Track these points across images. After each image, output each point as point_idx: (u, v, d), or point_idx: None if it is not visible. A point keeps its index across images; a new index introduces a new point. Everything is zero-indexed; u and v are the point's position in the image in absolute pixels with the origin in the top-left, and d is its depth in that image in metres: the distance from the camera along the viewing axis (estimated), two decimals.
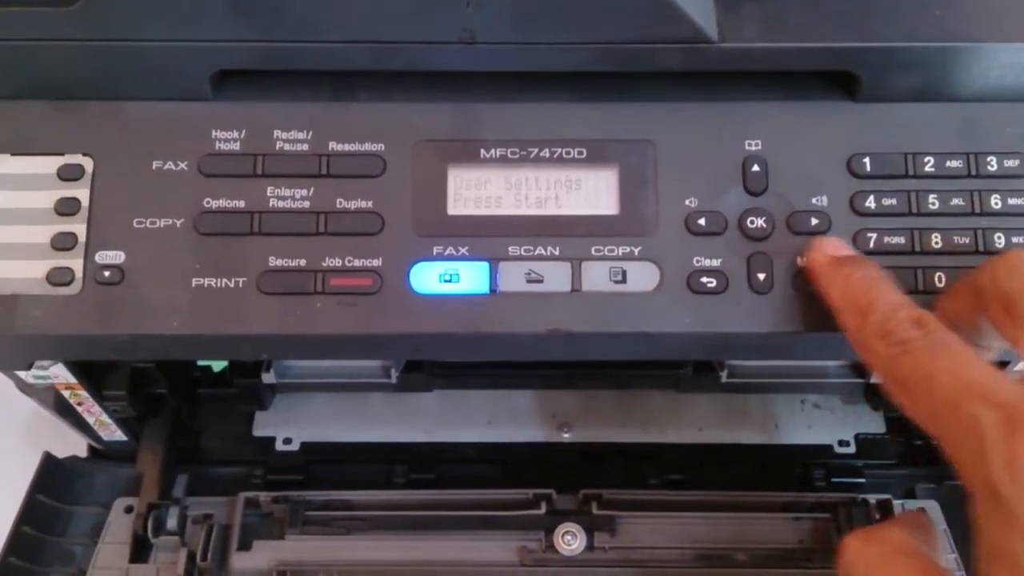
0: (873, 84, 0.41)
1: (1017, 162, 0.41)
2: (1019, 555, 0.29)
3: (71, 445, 0.61)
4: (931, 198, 0.41)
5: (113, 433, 0.57)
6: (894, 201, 0.41)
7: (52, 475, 0.57)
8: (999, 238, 0.40)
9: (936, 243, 0.40)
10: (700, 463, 0.61)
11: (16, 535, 0.53)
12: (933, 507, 0.57)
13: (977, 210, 0.40)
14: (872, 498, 0.56)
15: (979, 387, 0.31)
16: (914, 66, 0.40)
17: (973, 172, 0.41)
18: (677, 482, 0.60)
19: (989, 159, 0.41)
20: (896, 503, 0.56)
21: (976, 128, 0.41)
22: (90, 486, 0.59)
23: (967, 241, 0.40)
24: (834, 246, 0.40)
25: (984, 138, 0.41)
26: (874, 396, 0.60)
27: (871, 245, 0.40)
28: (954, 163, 0.41)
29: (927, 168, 0.41)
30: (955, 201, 0.41)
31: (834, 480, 0.59)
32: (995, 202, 0.40)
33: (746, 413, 0.62)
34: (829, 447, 0.61)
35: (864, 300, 0.36)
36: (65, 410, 0.54)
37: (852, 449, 0.60)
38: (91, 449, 0.62)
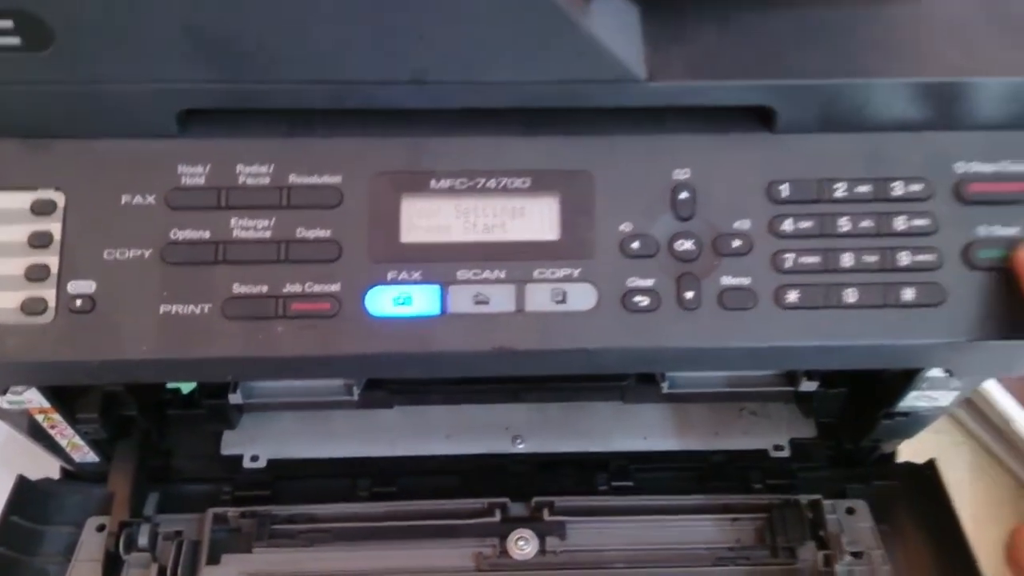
0: (788, 117, 0.42)
1: (920, 186, 0.42)
2: None
3: (43, 468, 0.61)
4: (842, 220, 0.42)
5: (85, 455, 0.58)
6: (809, 224, 0.42)
7: (26, 497, 0.57)
8: (904, 256, 0.42)
9: (847, 262, 0.42)
10: (645, 470, 0.62)
11: None
12: (862, 506, 0.59)
13: (884, 231, 0.42)
14: (804, 498, 0.57)
15: None
16: (825, 100, 0.42)
17: (880, 196, 0.42)
18: (624, 488, 0.61)
19: (894, 184, 0.42)
20: (827, 503, 0.57)
21: (882, 156, 0.43)
22: (63, 506, 0.59)
23: (875, 259, 0.42)
24: None
25: (890, 165, 0.43)
26: (805, 403, 0.62)
27: (789, 264, 0.42)
28: (863, 188, 0.42)
29: (838, 193, 0.42)
30: (864, 223, 0.42)
31: (769, 482, 0.61)
32: (900, 223, 0.42)
33: (687, 421, 0.63)
34: (765, 451, 0.62)
35: None
36: (38, 433, 0.54)
37: (786, 453, 0.62)
38: (64, 471, 0.62)
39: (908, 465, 0.62)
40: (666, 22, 0.43)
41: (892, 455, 0.64)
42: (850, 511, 0.58)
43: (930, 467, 0.60)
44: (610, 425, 0.63)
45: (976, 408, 0.78)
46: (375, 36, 0.39)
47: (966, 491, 0.78)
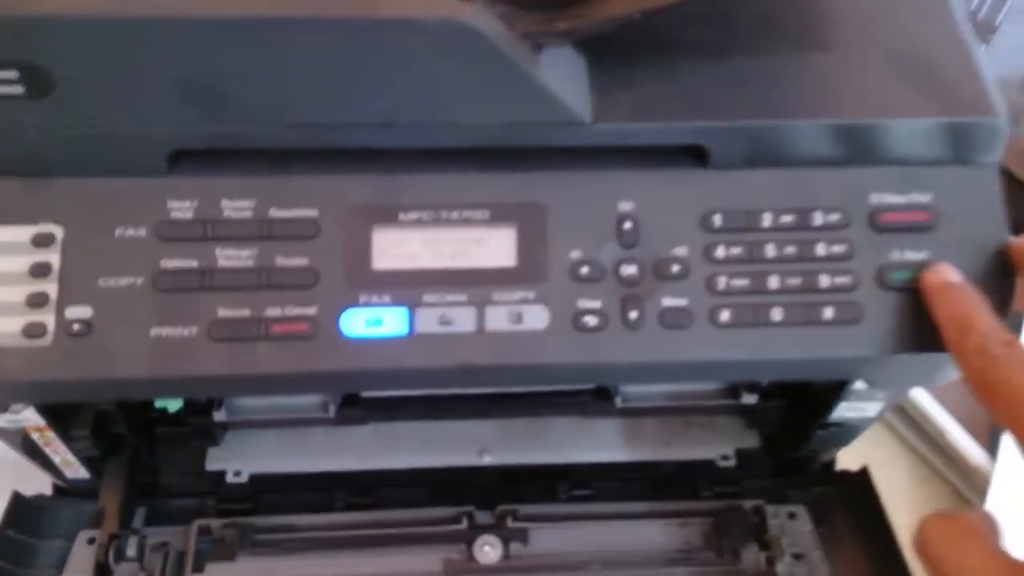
0: (720, 155, 0.45)
1: (838, 216, 0.45)
2: None
3: (32, 487, 0.62)
4: (768, 247, 0.45)
5: (77, 471, 0.59)
6: (739, 250, 0.45)
7: (21, 512, 0.59)
8: (824, 278, 0.44)
9: (774, 284, 0.44)
10: (602, 479, 0.65)
11: None
12: (801, 511, 0.62)
13: (806, 256, 0.45)
14: (748, 504, 0.61)
15: None
16: (752, 140, 0.45)
17: (802, 225, 0.45)
18: (583, 496, 0.64)
19: (815, 214, 0.45)
20: (769, 508, 0.61)
21: (804, 189, 0.45)
22: (55, 521, 0.61)
23: (799, 282, 0.44)
24: (946, 273, 0.43)
25: (811, 197, 0.45)
26: (748, 416, 0.64)
27: (721, 287, 0.44)
28: (787, 218, 0.45)
29: (765, 223, 0.45)
30: (788, 249, 0.45)
31: (717, 490, 0.64)
32: (820, 249, 0.45)
33: (641, 434, 0.66)
34: (712, 461, 0.64)
35: (965, 320, 0.40)
36: (33, 451, 0.56)
37: (732, 462, 0.64)
38: (55, 487, 0.64)
39: (844, 472, 0.65)
40: (610, 70, 0.45)
41: (830, 464, 0.67)
42: (791, 516, 0.61)
43: (863, 474, 0.63)
44: (570, 438, 0.65)
45: (913, 421, 0.81)
46: (347, 84, 0.42)
47: (906, 501, 0.81)
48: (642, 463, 0.65)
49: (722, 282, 0.45)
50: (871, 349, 0.44)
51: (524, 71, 0.42)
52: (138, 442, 0.62)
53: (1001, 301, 0.44)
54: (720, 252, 0.45)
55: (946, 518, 0.38)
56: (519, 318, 0.44)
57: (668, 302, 0.44)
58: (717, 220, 0.45)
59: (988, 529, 0.38)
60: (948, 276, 0.43)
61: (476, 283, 0.45)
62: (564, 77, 0.44)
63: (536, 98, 0.43)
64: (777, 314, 0.44)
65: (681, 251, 0.45)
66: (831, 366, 0.47)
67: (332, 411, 0.60)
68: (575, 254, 0.45)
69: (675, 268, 0.45)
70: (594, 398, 0.61)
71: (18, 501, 0.59)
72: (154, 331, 0.43)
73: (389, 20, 0.40)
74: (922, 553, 0.38)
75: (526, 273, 0.45)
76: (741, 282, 0.45)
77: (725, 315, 0.44)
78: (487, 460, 0.65)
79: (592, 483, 0.65)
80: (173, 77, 0.41)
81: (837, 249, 0.45)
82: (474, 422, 0.66)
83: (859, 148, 0.46)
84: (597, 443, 0.66)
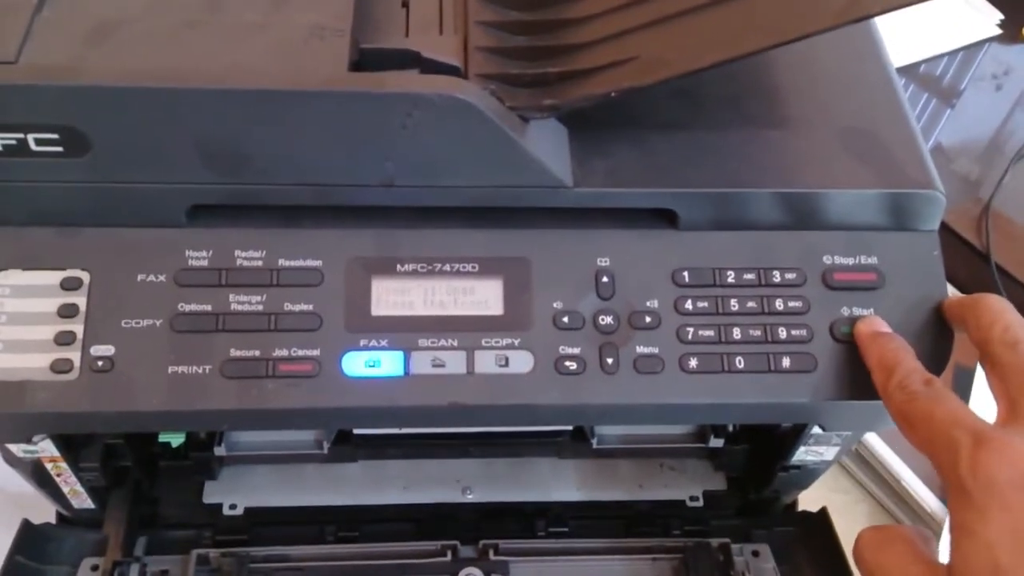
0: (688, 218, 0.48)
1: (795, 275, 0.49)
2: (974, 526, 0.37)
3: (33, 518, 0.63)
4: (732, 302, 0.48)
5: (83, 501, 0.61)
6: (706, 304, 0.48)
7: (29, 539, 0.60)
8: (782, 331, 0.48)
9: (737, 335, 0.48)
10: (579, 517, 0.67)
11: None
12: (765, 549, 0.64)
13: (766, 310, 0.48)
14: (714, 541, 0.63)
15: (961, 421, 0.40)
16: (717, 205, 0.48)
17: (763, 283, 0.48)
18: (561, 532, 0.66)
19: (774, 273, 0.48)
20: (734, 546, 0.62)
21: (765, 250, 0.49)
22: (61, 548, 0.62)
23: (759, 334, 0.48)
24: (876, 324, 0.47)
25: (771, 257, 0.49)
26: (716, 458, 0.67)
27: (690, 336, 0.47)
28: (749, 275, 0.48)
29: (729, 279, 0.48)
30: (750, 304, 0.48)
31: (686, 528, 0.66)
32: (779, 304, 0.48)
33: (615, 475, 0.68)
34: (682, 501, 0.67)
35: (891, 363, 0.44)
36: (44, 480, 0.58)
37: (700, 503, 0.67)
38: (59, 516, 0.65)
39: (805, 513, 0.67)
40: (590, 140, 0.48)
41: (793, 504, 0.69)
42: (755, 553, 0.63)
43: (822, 514, 0.65)
44: (548, 478, 0.67)
45: (871, 468, 0.84)
46: (353, 149, 0.45)
47: None
48: (616, 502, 0.67)
49: (690, 332, 0.47)
50: (824, 395, 0.47)
51: (514, 141, 0.45)
52: (141, 475, 0.63)
53: (939, 354, 0.48)
54: (689, 305, 0.48)
55: (877, 528, 0.42)
56: (506, 362, 0.47)
57: (641, 349, 0.47)
58: (686, 276, 0.48)
59: (915, 537, 0.41)
60: (877, 326, 0.47)
61: (466, 329, 0.47)
62: (549, 146, 0.47)
63: (524, 164, 0.46)
64: (740, 362, 0.47)
65: (653, 303, 0.48)
66: (789, 410, 0.50)
67: (326, 447, 0.62)
68: (557, 304, 0.48)
69: (648, 319, 0.47)
70: (571, 440, 0.63)
71: (27, 529, 0.61)
72: (171, 368, 0.46)
73: (395, 95, 0.43)
74: (859, 560, 0.42)
75: (512, 321, 0.48)
76: (707, 332, 0.47)
77: (693, 362, 0.47)
78: (470, 497, 0.67)
79: (569, 520, 0.67)
80: (194, 140, 0.44)
81: (794, 304, 0.48)
82: (458, 461, 0.68)
83: (813, 214, 0.49)
84: (574, 483, 0.68)
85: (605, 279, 0.48)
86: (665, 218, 0.49)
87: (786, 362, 0.47)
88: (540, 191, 0.47)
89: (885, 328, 0.47)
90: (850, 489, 0.87)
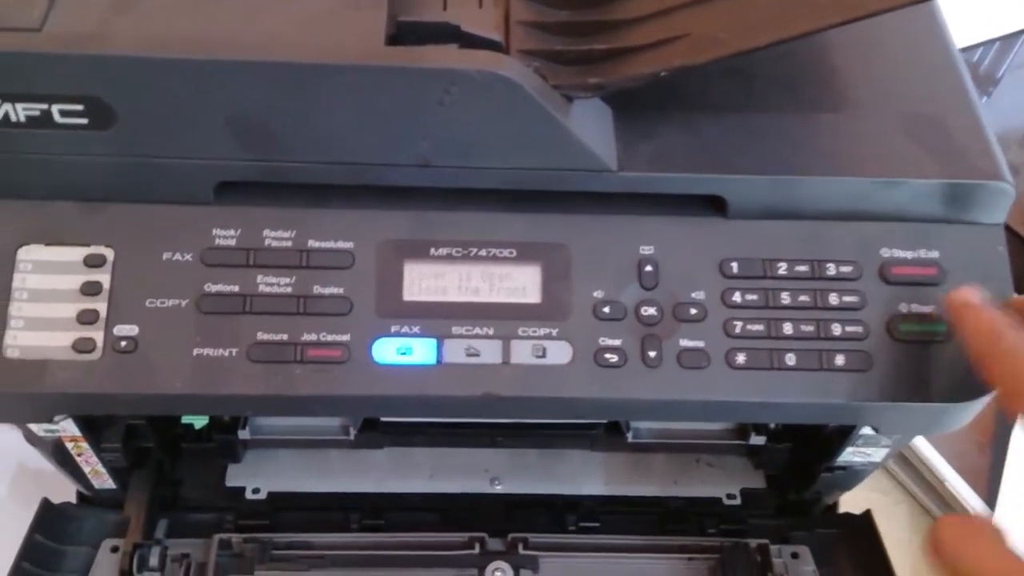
0: (738, 206, 0.46)
1: (851, 268, 0.47)
2: None
3: (54, 496, 0.63)
4: (783, 295, 0.46)
5: (104, 481, 0.61)
6: (755, 296, 0.46)
7: (49, 518, 0.60)
8: (836, 327, 0.46)
9: (788, 330, 0.46)
10: (610, 512, 0.65)
11: (17, 571, 0.57)
12: (805, 551, 0.62)
13: (819, 305, 0.46)
14: (753, 542, 0.61)
15: None
16: (769, 193, 0.46)
17: (816, 276, 0.47)
18: (591, 527, 0.64)
19: (829, 265, 0.47)
20: (773, 547, 0.61)
21: (819, 241, 0.47)
22: (81, 529, 0.62)
23: (811, 329, 0.46)
24: (969, 293, 0.44)
25: (825, 249, 0.47)
26: (755, 456, 0.65)
27: (738, 331, 0.46)
28: (801, 268, 0.47)
29: (781, 271, 0.47)
30: (802, 298, 0.46)
31: (722, 527, 0.64)
32: (833, 299, 0.46)
33: (649, 470, 0.67)
34: (718, 499, 0.65)
35: (993, 328, 0.42)
36: (63, 460, 0.57)
37: (738, 501, 0.65)
38: (79, 496, 0.65)
39: (847, 515, 0.66)
40: (635, 121, 0.47)
41: (834, 506, 0.68)
42: (794, 555, 0.61)
43: (866, 517, 0.64)
44: (579, 471, 0.66)
45: (913, 469, 0.82)
46: (389, 127, 0.44)
47: (906, 548, 0.81)
48: (649, 498, 0.66)
49: (738, 326, 0.46)
50: (879, 396, 0.46)
51: (557, 120, 0.44)
52: (163, 456, 0.63)
53: None
54: (737, 297, 0.46)
55: (959, 518, 0.39)
56: (543, 352, 0.46)
57: (686, 343, 0.46)
58: (734, 267, 0.47)
59: (999, 529, 0.39)
60: (970, 296, 0.44)
61: (502, 317, 0.46)
62: (593, 127, 0.46)
63: (566, 146, 0.45)
64: (790, 359, 0.46)
65: (699, 295, 0.46)
66: (840, 411, 0.48)
67: (352, 434, 0.61)
68: (598, 293, 0.46)
69: (693, 311, 0.46)
70: (605, 432, 0.62)
71: (47, 508, 0.61)
72: (196, 351, 0.45)
73: (433, 70, 0.42)
74: (936, 553, 0.38)
75: (550, 310, 0.47)
76: (756, 327, 0.46)
77: (740, 358, 0.46)
78: (498, 488, 0.66)
79: (600, 515, 0.66)
80: (224, 115, 0.43)
81: (849, 299, 0.47)
82: (486, 450, 0.67)
83: (871, 204, 0.48)
84: (606, 477, 0.67)
85: (648, 268, 0.47)
86: (713, 205, 0.47)
87: (839, 360, 0.46)
88: (582, 174, 0.45)
89: (978, 297, 0.44)
90: (890, 490, 0.85)
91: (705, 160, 0.46)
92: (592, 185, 0.46)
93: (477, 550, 0.60)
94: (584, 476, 0.67)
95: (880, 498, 0.81)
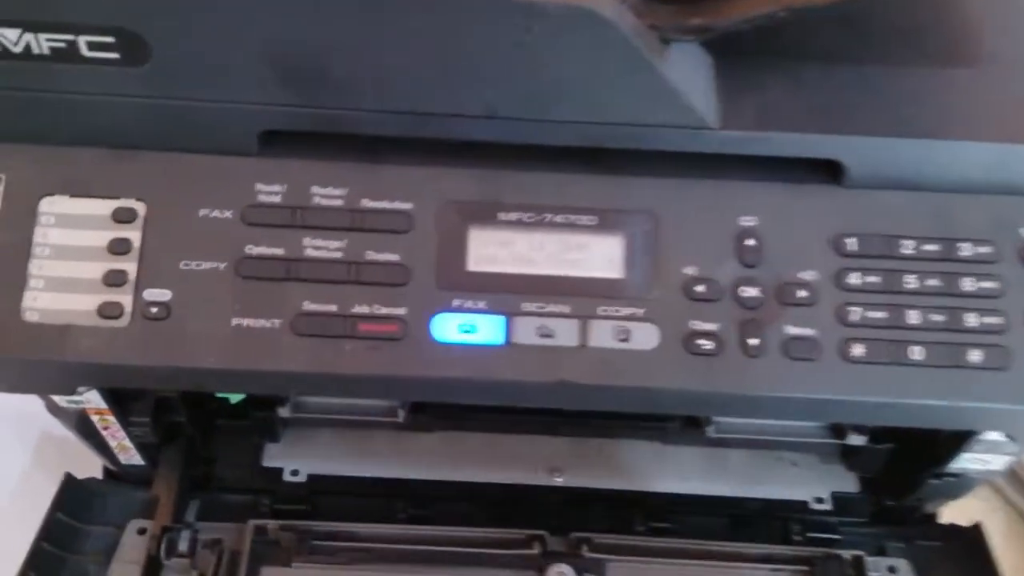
0: (857, 172, 0.43)
1: (989, 249, 0.43)
2: None
3: (80, 468, 0.62)
4: (909, 278, 0.43)
5: (132, 456, 0.59)
6: (876, 279, 0.43)
7: (72, 495, 0.58)
8: (970, 317, 0.42)
9: (914, 319, 0.42)
10: (682, 512, 0.62)
11: (36, 551, 0.55)
12: (904, 565, 0.58)
13: (953, 291, 0.42)
14: (846, 554, 0.57)
15: None
16: (894, 158, 0.43)
17: (948, 256, 0.43)
18: (660, 529, 0.61)
19: (962, 245, 0.43)
20: (868, 559, 0.57)
21: (950, 216, 0.43)
22: (105, 507, 0.60)
23: (942, 319, 0.42)
24: None
25: (958, 225, 0.43)
26: (848, 456, 0.62)
27: (855, 318, 0.42)
28: (930, 247, 0.43)
29: (906, 250, 0.43)
30: (931, 282, 0.43)
31: (809, 535, 0.61)
32: (967, 284, 0.42)
33: (727, 466, 0.63)
34: (805, 503, 0.62)
35: None
36: (89, 433, 0.55)
37: (828, 506, 0.62)
38: (106, 471, 0.63)
39: (952, 527, 0.62)
40: (739, 73, 0.44)
41: (934, 515, 0.64)
42: (892, 570, 0.58)
43: (976, 531, 0.60)
44: (648, 465, 0.64)
45: (1014, 475, 0.78)
46: (456, 69, 0.41)
47: (1000, 558, 0.77)
48: (726, 498, 0.63)
49: (855, 313, 0.43)
50: (1021, 400, 0.42)
51: (651, 67, 0.40)
52: (195, 432, 0.61)
53: None
54: (854, 279, 0.43)
55: None
56: (626, 336, 0.43)
57: (793, 330, 0.43)
58: (851, 244, 0.44)
59: None
60: None
61: (579, 294, 0.44)
62: (691, 77, 0.42)
63: (661, 97, 0.41)
64: (917, 353, 0.42)
65: (809, 275, 0.43)
66: (972, 415, 0.44)
67: (402, 416, 0.58)
68: (689, 270, 0.44)
69: (802, 293, 0.43)
70: (682, 424, 0.59)
71: (70, 484, 0.59)
72: (235, 320, 0.43)
73: (513, 4, 0.38)
74: None
75: (634, 287, 0.44)
76: (877, 314, 0.43)
77: (858, 349, 0.43)
78: (559, 481, 0.63)
79: (669, 516, 0.62)
80: (270, 52, 0.40)
81: (986, 285, 0.43)
82: (546, 438, 0.64)
83: (1012, 175, 0.43)
84: (678, 472, 0.64)
85: (750, 242, 0.44)
86: (827, 171, 0.44)
87: (975, 356, 0.42)
88: (677, 132, 0.42)
89: None
90: (986, 496, 0.81)
91: (819, 119, 0.43)
92: (688, 144, 0.43)
93: (537, 550, 0.57)
94: (654, 471, 0.64)
95: (976, 504, 0.77)
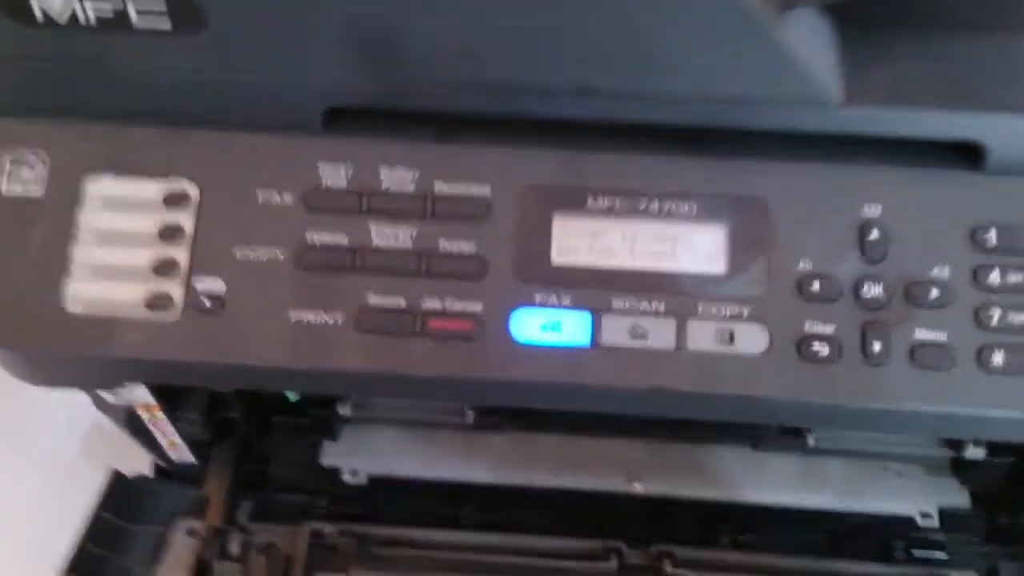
0: (1001, 156, 0.40)
1: None
2: None
3: (129, 461, 0.60)
4: None
5: (182, 454, 0.58)
6: (1019, 277, 0.40)
7: (118, 493, 0.57)
8: None
9: None
10: (774, 525, 0.59)
11: (80, 552, 0.53)
12: None
13: None
14: (956, 575, 0.55)
15: None
16: None
17: None
18: (749, 543, 0.59)
19: None
20: None
21: None
22: (154, 506, 0.59)
23: None
24: None
25: None
26: (959, 468, 0.58)
27: (995, 322, 0.39)
28: None
29: None
30: None
31: (913, 552, 0.58)
32: None
33: (824, 477, 0.60)
34: (910, 518, 0.59)
35: None
36: (136, 429, 0.54)
37: (935, 523, 0.58)
38: (156, 467, 0.62)
39: None
40: (865, 42, 0.41)
41: None
42: None
43: None
44: (737, 473, 0.60)
45: None
46: (544, 39, 0.38)
47: None
48: (823, 511, 0.59)
49: (996, 315, 0.40)
50: None
51: (765, 33, 0.37)
52: (250, 429, 0.60)
53: None
54: (994, 277, 0.40)
55: None
56: (730, 338, 0.40)
57: (923, 335, 0.40)
58: (992, 237, 0.40)
59: None
60: None
61: (677, 291, 0.41)
62: (811, 46, 0.40)
63: (775, 68, 0.38)
64: None
65: (942, 272, 0.40)
66: None
67: (470, 416, 0.56)
68: (803, 265, 0.41)
69: (934, 293, 0.40)
70: (780, 432, 0.55)
71: (117, 481, 0.57)
72: (294, 315, 0.41)
73: None
74: None
75: (740, 283, 0.41)
76: (1020, 318, 0.40)
77: (998, 358, 0.39)
78: (638, 488, 0.60)
79: (758, 528, 0.59)
80: (339, 20, 0.38)
81: None
82: (624, 441, 0.61)
83: None
84: (770, 482, 0.60)
85: (874, 235, 0.41)
86: (965, 155, 0.41)
87: None
88: (793, 109, 0.40)
89: None
90: None
91: (958, 95, 0.40)
92: (806, 123, 0.40)
93: (614, 563, 0.55)
94: (742, 480, 0.60)
95: None
